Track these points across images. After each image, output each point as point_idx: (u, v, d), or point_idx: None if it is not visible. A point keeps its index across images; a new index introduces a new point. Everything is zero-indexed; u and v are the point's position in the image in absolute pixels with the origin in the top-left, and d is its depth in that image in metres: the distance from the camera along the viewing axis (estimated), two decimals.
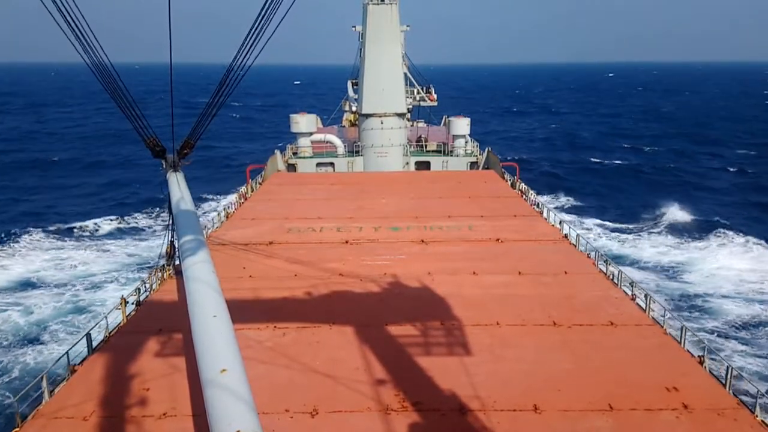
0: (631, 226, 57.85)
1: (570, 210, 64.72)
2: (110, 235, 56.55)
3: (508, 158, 66.25)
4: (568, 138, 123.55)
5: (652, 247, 51.28)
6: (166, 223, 15.59)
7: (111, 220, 60.59)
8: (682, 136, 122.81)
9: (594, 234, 54.79)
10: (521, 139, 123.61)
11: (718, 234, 53.69)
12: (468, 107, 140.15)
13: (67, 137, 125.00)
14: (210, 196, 69.10)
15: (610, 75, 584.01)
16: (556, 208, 60.28)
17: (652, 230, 56.31)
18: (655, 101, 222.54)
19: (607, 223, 59.46)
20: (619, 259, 45.19)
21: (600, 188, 76.28)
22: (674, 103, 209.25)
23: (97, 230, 57.69)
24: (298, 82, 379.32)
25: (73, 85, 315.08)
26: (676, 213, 60.04)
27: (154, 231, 57.06)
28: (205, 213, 59.51)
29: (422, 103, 55.41)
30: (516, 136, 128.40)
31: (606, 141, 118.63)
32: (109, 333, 18.15)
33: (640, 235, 54.82)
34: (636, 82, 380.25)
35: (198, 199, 63.07)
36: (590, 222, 59.71)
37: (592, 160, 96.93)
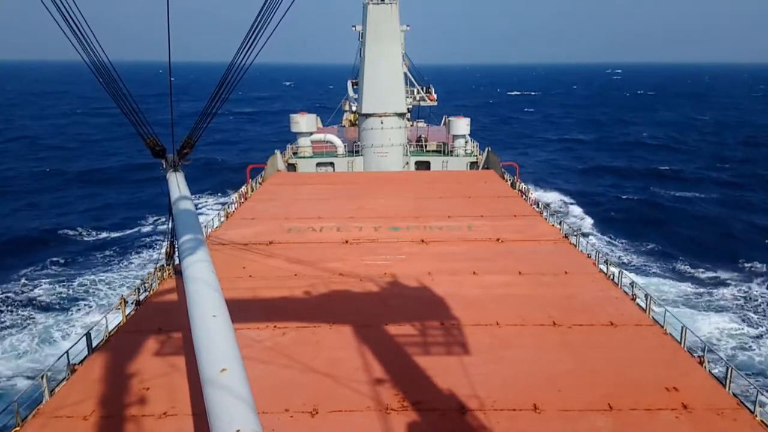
0: None
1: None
2: None
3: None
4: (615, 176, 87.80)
5: None
6: (166, 223, 15.58)
7: None
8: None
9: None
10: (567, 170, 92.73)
11: None
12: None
13: None
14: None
15: (618, 72, 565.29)
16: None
17: None
18: (685, 111, 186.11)
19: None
20: None
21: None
22: (709, 114, 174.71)
23: None
24: (289, 83, 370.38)
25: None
26: None
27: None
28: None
29: (422, 103, 55.48)
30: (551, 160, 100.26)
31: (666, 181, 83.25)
32: (109, 332, 18.15)
33: None
34: (646, 84, 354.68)
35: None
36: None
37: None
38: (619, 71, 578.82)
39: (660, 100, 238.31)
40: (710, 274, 47.29)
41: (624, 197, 73.53)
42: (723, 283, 45.34)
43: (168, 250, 17.51)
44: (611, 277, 22.62)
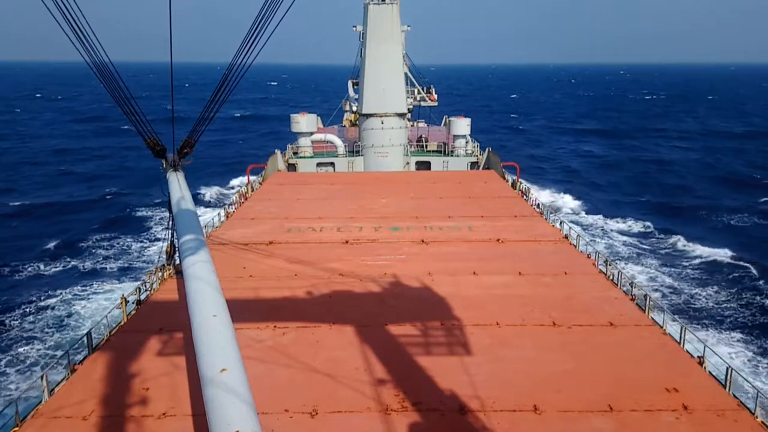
0: None
1: None
2: None
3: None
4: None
5: None
6: (167, 222, 15.59)
7: None
8: None
9: None
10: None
11: None
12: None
13: None
14: None
15: (622, 73, 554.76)
16: None
17: None
18: (708, 119, 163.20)
19: None
20: None
21: None
22: (735, 122, 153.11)
23: None
24: (275, 83, 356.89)
25: None
26: None
27: None
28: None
29: (422, 103, 55.59)
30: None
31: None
32: (110, 332, 18.16)
33: None
34: (655, 86, 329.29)
35: None
36: None
37: None
38: (623, 72, 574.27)
39: (674, 104, 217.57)
40: None
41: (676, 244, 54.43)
42: None
43: (168, 249, 17.52)
44: (611, 277, 22.62)
